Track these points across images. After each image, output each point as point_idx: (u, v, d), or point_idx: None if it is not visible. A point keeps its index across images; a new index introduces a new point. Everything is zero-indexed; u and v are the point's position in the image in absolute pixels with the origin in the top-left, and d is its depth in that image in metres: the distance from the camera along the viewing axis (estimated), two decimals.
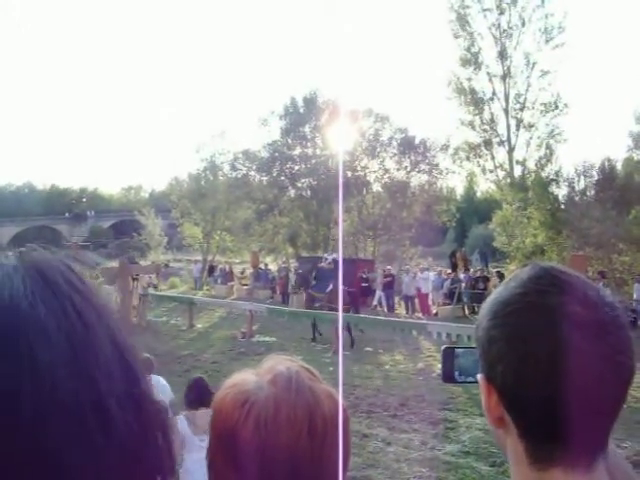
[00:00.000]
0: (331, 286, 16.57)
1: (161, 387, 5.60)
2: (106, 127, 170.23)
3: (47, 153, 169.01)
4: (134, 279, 17.64)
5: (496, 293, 0.87)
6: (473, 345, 0.95)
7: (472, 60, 32.63)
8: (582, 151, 78.19)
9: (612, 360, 0.78)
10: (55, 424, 0.41)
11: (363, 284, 24.06)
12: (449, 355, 1.12)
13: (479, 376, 0.89)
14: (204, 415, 4.29)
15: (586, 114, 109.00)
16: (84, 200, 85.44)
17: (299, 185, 38.14)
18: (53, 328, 0.43)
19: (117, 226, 70.91)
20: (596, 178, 28.40)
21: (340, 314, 13.68)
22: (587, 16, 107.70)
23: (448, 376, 1.12)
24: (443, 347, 1.15)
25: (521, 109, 32.03)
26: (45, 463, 0.41)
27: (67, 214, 74.47)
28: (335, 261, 19.16)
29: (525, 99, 31.94)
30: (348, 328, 14.08)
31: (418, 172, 36.68)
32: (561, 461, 0.80)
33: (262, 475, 0.85)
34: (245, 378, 0.93)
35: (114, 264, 21.10)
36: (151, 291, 20.41)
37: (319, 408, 0.88)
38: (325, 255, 22.30)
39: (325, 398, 0.90)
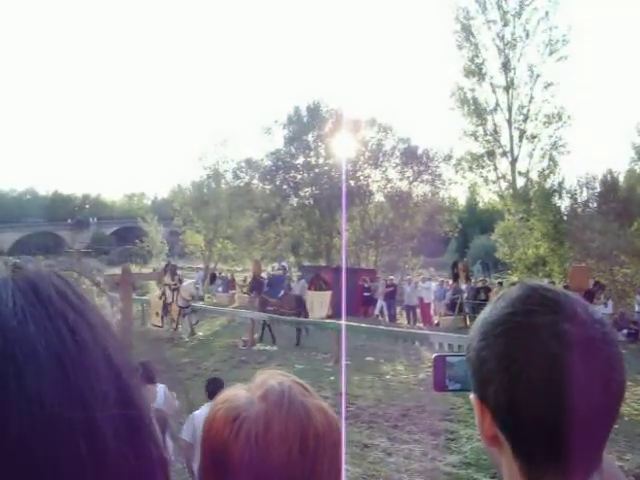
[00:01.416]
0: (283, 292, 17.74)
1: (165, 397, 5.91)
2: (109, 134, 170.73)
3: (50, 159, 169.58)
4: (173, 289, 16.91)
5: (485, 313, 0.88)
6: (464, 353, 0.96)
7: (476, 71, 32.72)
8: (585, 163, 78.10)
9: (604, 377, 0.78)
10: (43, 451, 0.37)
11: (365, 293, 24.03)
12: (441, 363, 1.12)
13: (472, 396, 0.89)
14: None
15: (589, 126, 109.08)
16: (87, 207, 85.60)
17: (302, 194, 38.15)
18: (43, 348, 0.39)
19: (119, 233, 70.95)
20: (598, 190, 28.45)
21: (343, 322, 13.72)
22: (591, 28, 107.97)
23: (440, 385, 1.12)
24: (434, 355, 1.14)
25: (524, 120, 32.09)
26: None
27: (69, 220, 74.63)
28: (284, 268, 20.34)
29: (528, 110, 32.01)
30: (298, 329, 15.82)
31: (421, 182, 36.72)
32: (556, 479, 0.80)
33: None
34: (236, 394, 0.92)
35: (116, 271, 20.96)
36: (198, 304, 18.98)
37: (311, 423, 0.87)
38: (275, 263, 23.27)
39: (317, 413, 0.89)
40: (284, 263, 26.10)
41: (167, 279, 17.42)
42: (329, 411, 0.93)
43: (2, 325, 0.39)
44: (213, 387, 5.53)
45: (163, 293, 17.05)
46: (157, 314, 16.96)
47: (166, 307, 16.88)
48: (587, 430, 0.79)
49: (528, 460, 0.82)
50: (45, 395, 0.38)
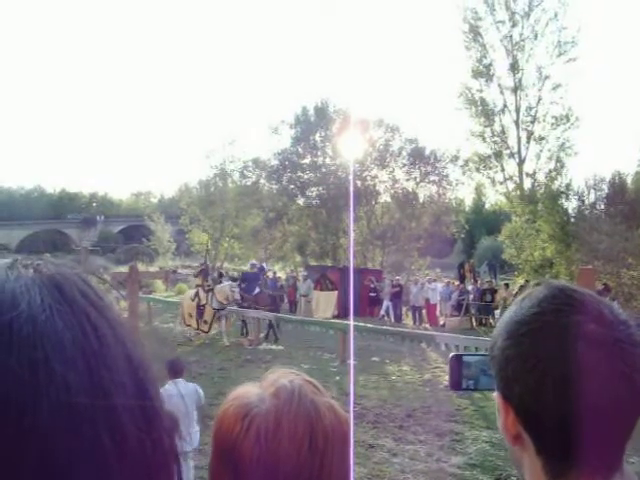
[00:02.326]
0: (257, 289, 18.47)
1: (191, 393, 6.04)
2: (117, 132, 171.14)
3: (58, 157, 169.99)
4: (207, 290, 16.57)
5: (511, 312, 0.88)
6: (480, 353, 0.96)
7: (484, 72, 32.66)
8: (592, 164, 77.93)
9: (628, 378, 0.79)
10: (68, 437, 0.40)
11: (371, 294, 24.03)
12: (457, 363, 1.12)
13: (495, 394, 0.90)
14: None
15: (597, 127, 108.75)
16: (94, 205, 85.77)
17: (308, 194, 38.19)
18: (69, 342, 0.42)
19: (126, 231, 71.14)
20: (606, 192, 28.36)
21: (351, 322, 13.78)
22: (600, 30, 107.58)
23: (456, 384, 1.13)
24: (451, 355, 1.15)
25: (532, 122, 32.01)
26: (55, 478, 0.40)
27: (76, 218, 74.80)
28: (260, 267, 21.50)
29: (536, 112, 31.94)
30: (270, 324, 16.53)
31: (427, 183, 36.69)
32: (578, 478, 0.81)
33: None
34: (247, 391, 0.93)
35: (122, 269, 20.90)
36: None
37: (321, 422, 0.88)
38: (250, 262, 24.25)
39: (327, 412, 0.90)
40: (264, 264, 27.23)
41: (200, 280, 17.27)
42: (339, 410, 0.93)
43: (33, 317, 0.42)
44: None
45: (196, 295, 16.83)
46: (190, 315, 16.70)
47: (199, 309, 16.60)
48: (610, 430, 0.80)
49: (551, 458, 0.83)
50: (71, 385, 0.41)
